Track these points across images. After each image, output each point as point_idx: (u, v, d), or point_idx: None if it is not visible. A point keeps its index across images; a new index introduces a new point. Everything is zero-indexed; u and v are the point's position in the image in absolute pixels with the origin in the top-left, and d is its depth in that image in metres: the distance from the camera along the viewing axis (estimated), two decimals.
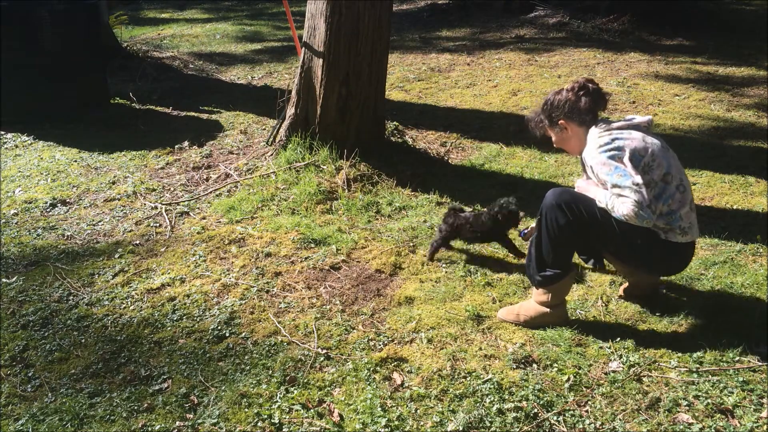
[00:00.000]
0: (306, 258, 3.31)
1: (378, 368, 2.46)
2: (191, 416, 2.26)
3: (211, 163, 4.67)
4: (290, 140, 4.41)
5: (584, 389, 2.33)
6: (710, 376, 2.37)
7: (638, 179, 2.40)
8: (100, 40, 6.05)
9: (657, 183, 2.47)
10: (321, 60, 4.22)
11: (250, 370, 2.48)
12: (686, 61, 7.02)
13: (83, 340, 2.70)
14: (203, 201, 4.06)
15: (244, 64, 7.84)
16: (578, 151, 2.72)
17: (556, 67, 6.94)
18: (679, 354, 2.49)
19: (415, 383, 2.37)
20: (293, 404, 2.29)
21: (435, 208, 3.86)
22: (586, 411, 2.24)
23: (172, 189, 4.26)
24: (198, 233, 3.60)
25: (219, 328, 2.74)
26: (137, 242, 3.54)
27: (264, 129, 5.28)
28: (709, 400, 2.25)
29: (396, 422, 2.19)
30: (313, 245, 3.43)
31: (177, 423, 2.23)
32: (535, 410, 2.23)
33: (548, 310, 2.66)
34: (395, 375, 2.43)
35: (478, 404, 2.26)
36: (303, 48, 4.39)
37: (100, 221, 3.83)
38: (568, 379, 2.37)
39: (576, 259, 3.00)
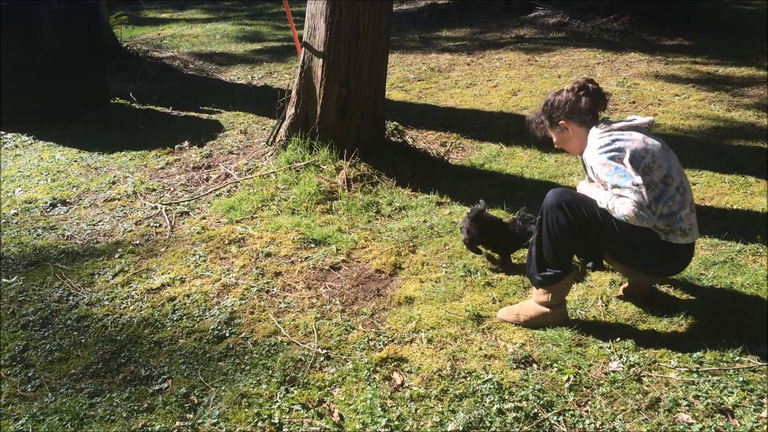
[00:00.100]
0: (306, 258, 3.31)
1: (378, 368, 2.46)
2: (191, 416, 2.26)
3: (211, 163, 4.67)
4: (290, 140, 4.41)
5: (584, 389, 2.33)
6: (710, 376, 2.37)
7: (638, 180, 2.40)
8: (100, 40, 6.05)
9: (657, 184, 2.47)
10: (321, 60, 4.23)
11: (250, 370, 2.48)
12: (686, 61, 7.02)
13: (83, 340, 2.70)
14: (203, 201, 4.06)
15: (244, 64, 7.84)
16: (579, 152, 2.72)
17: (556, 67, 6.94)
18: (679, 354, 2.49)
19: (415, 383, 2.37)
20: (293, 404, 2.29)
21: (435, 208, 3.86)
22: (586, 411, 2.24)
23: (172, 189, 4.26)
24: (198, 233, 3.60)
25: (219, 328, 2.74)
26: (137, 242, 3.54)
27: (264, 129, 5.28)
28: (709, 400, 2.25)
29: (396, 422, 2.19)
30: (313, 245, 3.43)
31: (177, 423, 2.23)
32: (535, 410, 2.23)
33: (548, 310, 2.66)
34: (395, 375, 2.43)
35: (478, 404, 2.26)
36: (303, 48, 4.39)
37: (100, 221, 3.83)
38: (568, 379, 2.37)
39: (575, 260, 2.99)
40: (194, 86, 6.82)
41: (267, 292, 3.03)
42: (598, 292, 2.95)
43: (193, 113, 5.90)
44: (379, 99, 4.49)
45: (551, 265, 2.61)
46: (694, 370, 2.41)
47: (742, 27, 8.68)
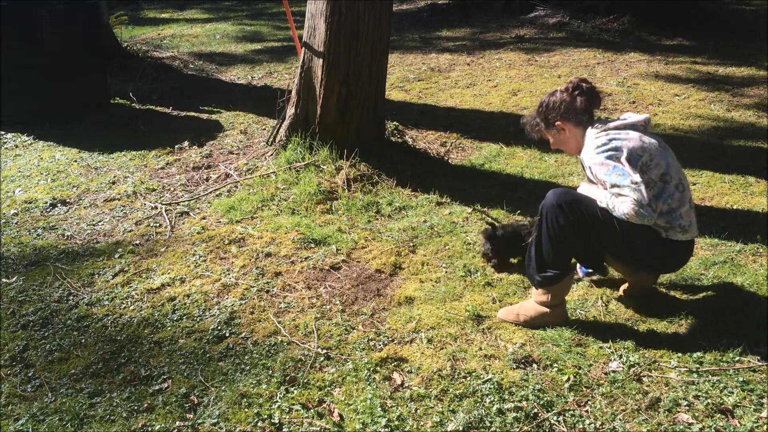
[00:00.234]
0: (306, 258, 3.31)
1: (378, 368, 2.46)
2: (191, 416, 2.26)
3: (211, 163, 4.67)
4: (290, 140, 4.41)
5: (584, 389, 2.33)
6: (710, 376, 2.37)
7: (636, 178, 2.40)
8: (100, 40, 6.05)
9: (656, 182, 2.48)
10: (321, 60, 4.23)
11: (250, 370, 2.48)
12: (686, 61, 7.02)
13: (83, 340, 2.70)
14: (203, 201, 4.06)
15: (244, 64, 7.84)
16: (576, 152, 2.72)
17: (556, 67, 6.94)
18: (679, 354, 2.49)
19: (415, 383, 2.37)
20: (293, 404, 2.29)
21: (435, 208, 3.86)
22: (586, 411, 2.24)
23: (172, 189, 4.26)
24: (198, 233, 3.60)
25: (219, 328, 2.74)
26: (137, 242, 3.54)
27: (264, 129, 5.28)
28: (709, 400, 2.25)
29: (396, 422, 2.19)
30: (313, 245, 3.43)
31: (177, 423, 2.23)
32: (535, 410, 2.23)
33: (548, 310, 2.66)
34: (395, 375, 2.43)
35: (478, 404, 2.26)
36: (303, 48, 4.39)
37: (100, 221, 3.83)
38: (568, 379, 2.37)
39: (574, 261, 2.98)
40: (194, 86, 6.82)
41: (267, 292, 3.03)
42: (598, 292, 2.95)
43: (193, 113, 5.90)
44: (379, 99, 4.49)
45: (551, 266, 2.60)
46: (694, 370, 2.41)
47: (742, 27, 8.68)
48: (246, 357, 2.56)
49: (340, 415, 2.24)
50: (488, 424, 2.18)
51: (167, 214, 3.85)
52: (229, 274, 3.16)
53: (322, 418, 2.23)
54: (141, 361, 2.57)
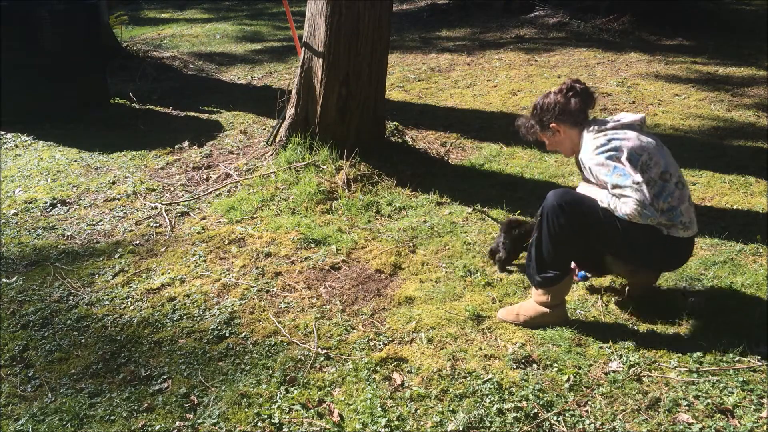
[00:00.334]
0: (306, 258, 3.31)
1: (378, 368, 2.46)
2: (191, 416, 2.26)
3: (211, 163, 4.67)
4: (290, 140, 4.41)
5: (584, 389, 2.33)
6: (710, 376, 2.37)
7: (638, 178, 2.40)
8: (100, 40, 6.05)
9: (656, 181, 2.48)
10: (321, 60, 4.23)
11: (250, 370, 2.48)
12: (686, 61, 7.02)
13: (83, 340, 2.70)
14: (203, 201, 4.06)
15: (244, 64, 7.84)
16: (572, 153, 2.73)
17: (556, 67, 6.94)
18: (679, 354, 2.49)
19: (415, 383, 2.37)
20: (293, 404, 2.29)
21: (435, 208, 3.86)
22: (586, 411, 2.24)
23: (172, 189, 4.26)
24: (198, 233, 3.60)
25: (219, 328, 2.74)
26: (137, 242, 3.54)
27: (264, 129, 5.28)
28: (709, 400, 2.25)
29: (396, 422, 2.19)
30: (313, 245, 3.43)
31: (177, 423, 2.23)
32: (535, 410, 2.23)
33: (548, 310, 2.66)
34: (395, 375, 2.43)
35: (478, 404, 2.26)
36: (303, 48, 4.39)
37: (100, 221, 3.83)
38: (568, 379, 2.37)
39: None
40: (194, 86, 6.82)
41: (267, 292, 3.03)
42: (598, 292, 2.95)
43: (193, 113, 5.90)
44: (379, 99, 4.49)
45: (551, 266, 2.60)
46: (694, 370, 2.41)
47: (742, 27, 8.68)
48: (246, 357, 2.56)
49: (340, 415, 2.24)
50: (488, 424, 2.18)
51: (167, 214, 3.85)
52: (229, 274, 3.16)
53: (322, 418, 2.23)
54: (141, 361, 2.57)
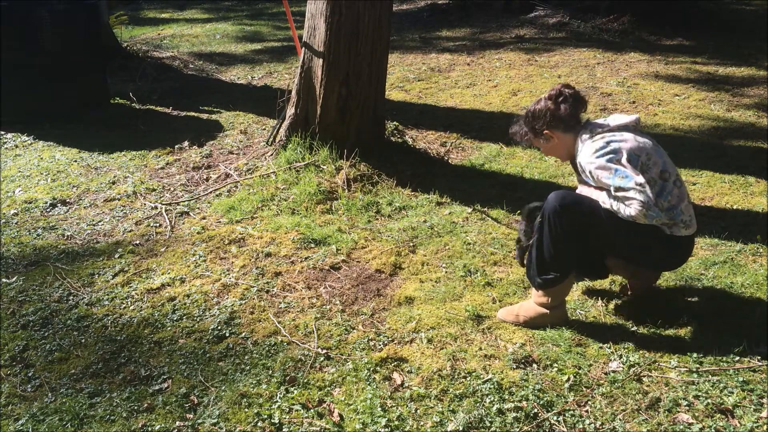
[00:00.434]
0: (306, 258, 3.31)
1: (378, 368, 2.46)
2: (191, 416, 2.26)
3: (211, 163, 4.67)
4: (290, 140, 4.41)
5: (584, 389, 2.33)
6: (710, 376, 2.37)
7: (640, 179, 2.39)
8: (100, 40, 6.05)
9: (656, 181, 2.48)
10: (321, 60, 4.23)
11: (250, 370, 2.48)
12: (686, 61, 7.02)
13: (83, 340, 2.70)
14: (203, 201, 4.06)
15: (244, 64, 7.84)
16: (568, 158, 2.73)
17: (556, 67, 6.94)
18: (679, 354, 2.49)
19: (415, 383, 2.38)
20: (293, 404, 2.29)
21: (435, 208, 3.87)
22: (586, 411, 2.24)
23: (172, 189, 4.26)
24: (198, 233, 3.60)
25: (219, 328, 2.74)
26: (137, 242, 3.54)
27: (264, 129, 5.28)
28: (709, 400, 2.25)
29: (396, 422, 2.19)
30: (313, 245, 3.43)
31: (177, 423, 2.23)
32: (535, 410, 2.23)
33: (548, 311, 2.66)
34: (395, 375, 2.43)
35: (478, 404, 2.26)
36: (303, 48, 4.39)
37: (100, 221, 3.83)
38: (568, 379, 2.37)
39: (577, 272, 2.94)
40: (194, 86, 6.82)
41: (267, 292, 3.03)
42: (598, 292, 2.95)
43: (193, 113, 5.90)
44: (379, 99, 4.49)
45: (552, 268, 2.60)
46: (694, 370, 2.41)
47: (742, 27, 8.68)
48: (246, 357, 2.56)
49: (340, 415, 2.24)
50: (488, 424, 2.18)
51: (167, 214, 3.85)
52: (229, 274, 3.16)
53: (322, 418, 2.23)
54: (141, 361, 2.57)
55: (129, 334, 2.73)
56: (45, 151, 4.98)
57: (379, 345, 2.61)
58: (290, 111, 4.53)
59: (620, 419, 2.20)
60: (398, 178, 4.19)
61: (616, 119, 2.61)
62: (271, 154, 4.51)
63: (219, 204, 3.95)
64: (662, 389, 2.32)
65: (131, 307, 2.93)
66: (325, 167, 4.19)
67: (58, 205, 4.04)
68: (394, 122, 5.01)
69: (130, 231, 3.68)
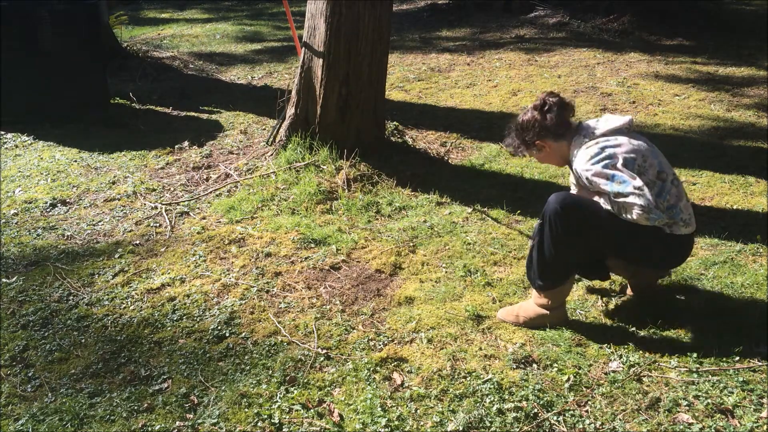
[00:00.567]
0: (306, 258, 3.31)
1: (378, 368, 2.46)
2: (191, 416, 2.26)
3: (211, 163, 4.67)
4: (290, 140, 4.41)
5: (584, 389, 2.33)
6: (710, 376, 2.37)
7: (638, 183, 2.39)
8: (100, 40, 6.05)
9: (655, 182, 2.48)
10: (321, 60, 4.23)
11: (250, 370, 2.48)
12: (686, 61, 7.02)
13: (83, 340, 2.70)
14: (203, 201, 4.06)
15: (244, 64, 7.84)
16: (563, 164, 2.74)
17: (556, 67, 6.94)
18: (679, 354, 2.49)
19: (415, 383, 2.37)
20: (293, 404, 2.29)
21: (435, 208, 3.86)
22: (586, 411, 2.24)
23: (172, 189, 4.26)
24: (198, 233, 3.60)
25: (219, 328, 2.74)
26: (137, 242, 3.54)
27: (264, 129, 5.28)
28: (709, 400, 2.25)
29: (396, 422, 2.19)
30: (313, 245, 3.43)
31: (177, 423, 2.23)
32: (535, 410, 2.23)
33: (547, 312, 2.66)
34: (395, 375, 2.43)
35: (478, 404, 2.26)
36: (303, 48, 4.39)
37: (100, 221, 3.83)
38: (568, 379, 2.37)
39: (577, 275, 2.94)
40: (194, 86, 6.82)
41: (267, 292, 3.03)
42: (598, 292, 2.95)
43: (193, 113, 5.90)
44: (379, 99, 4.49)
45: (553, 269, 2.60)
46: (694, 370, 2.41)
47: (742, 27, 8.68)
48: (246, 357, 2.56)
49: (340, 415, 2.24)
50: (488, 424, 2.18)
51: (167, 214, 3.85)
52: (229, 274, 3.16)
53: (322, 418, 2.23)
54: (141, 361, 2.57)
55: (129, 334, 2.73)
56: (45, 151, 4.98)
57: (379, 345, 2.61)
58: (290, 111, 4.53)
59: (620, 419, 2.20)
60: (398, 178, 4.19)
61: (608, 121, 2.60)
62: (271, 154, 4.51)
63: (219, 204, 3.95)
64: (662, 389, 2.32)
65: (131, 307, 2.93)
66: (325, 167, 4.19)
67: (58, 205, 4.04)
68: (394, 122, 5.01)
69: (130, 231, 3.68)
